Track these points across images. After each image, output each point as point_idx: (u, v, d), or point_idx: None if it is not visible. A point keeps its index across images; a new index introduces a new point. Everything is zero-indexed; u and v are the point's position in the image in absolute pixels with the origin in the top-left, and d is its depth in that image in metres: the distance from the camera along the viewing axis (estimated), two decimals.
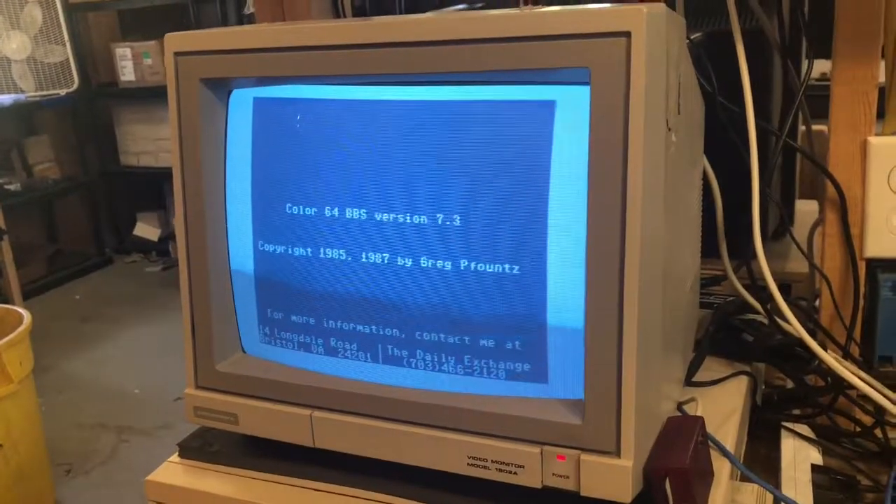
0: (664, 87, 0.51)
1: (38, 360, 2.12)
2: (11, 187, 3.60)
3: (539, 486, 0.54)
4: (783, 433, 0.76)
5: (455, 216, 0.54)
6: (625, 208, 0.49)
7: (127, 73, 3.84)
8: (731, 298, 0.82)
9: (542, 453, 0.53)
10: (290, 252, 0.60)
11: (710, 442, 0.63)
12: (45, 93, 3.68)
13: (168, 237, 4.17)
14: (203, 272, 0.62)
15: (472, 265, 0.54)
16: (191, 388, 0.65)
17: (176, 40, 0.60)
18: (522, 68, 0.50)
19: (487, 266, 0.54)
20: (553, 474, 0.53)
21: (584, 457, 0.52)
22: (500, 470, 0.54)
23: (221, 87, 0.61)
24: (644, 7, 0.47)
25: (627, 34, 0.47)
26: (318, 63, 0.56)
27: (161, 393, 2.81)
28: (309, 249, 0.59)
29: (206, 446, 0.67)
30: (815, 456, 0.73)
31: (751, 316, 0.81)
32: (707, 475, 0.57)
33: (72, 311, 3.52)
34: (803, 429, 0.77)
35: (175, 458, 0.68)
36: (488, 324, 0.55)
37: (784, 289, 0.96)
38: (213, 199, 0.62)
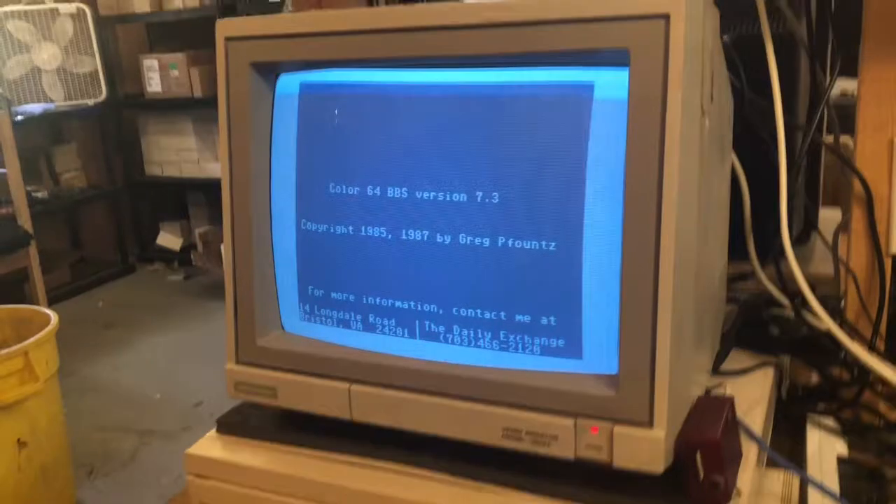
0: (700, 71, 0.53)
1: (62, 365, 2.16)
2: (39, 195, 3.65)
3: (572, 457, 0.55)
4: (809, 425, 0.77)
5: (494, 194, 0.56)
6: (661, 188, 0.50)
7: (154, 84, 3.91)
8: (758, 293, 0.84)
9: (575, 425, 0.54)
10: (331, 230, 0.62)
11: (742, 427, 0.65)
12: (73, 102, 3.75)
13: (190, 247, 4.21)
14: (247, 251, 0.64)
15: (510, 242, 0.56)
16: (231, 363, 0.67)
17: (227, 26, 0.63)
18: (562, 49, 0.52)
19: (525, 243, 0.56)
20: (586, 445, 0.54)
21: (618, 428, 0.53)
22: (535, 441, 0.56)
23: (269, 72, 0.63)
24: None
25: (667, 16, 0.49)
26: (362, 46, 0.58)
27: (181, 398, 2.84)
28: (350, 227, 0.61)
29: (244, 421, 0.69)
30: (841, 448, 0.74)
31: (777, 310, 0.82)
32: (736, 454, 0.58)
33: (95, 318, 3.56)
34: (829, 422, 0.78)
35: (213, 433, 0.70)
36: (524, 300, 0.56)
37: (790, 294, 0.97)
38: (258, 179, 0.64)
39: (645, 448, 0.53)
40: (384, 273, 0.61)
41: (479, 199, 0.56)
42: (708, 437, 0.53)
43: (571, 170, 0.54)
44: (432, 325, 0.60)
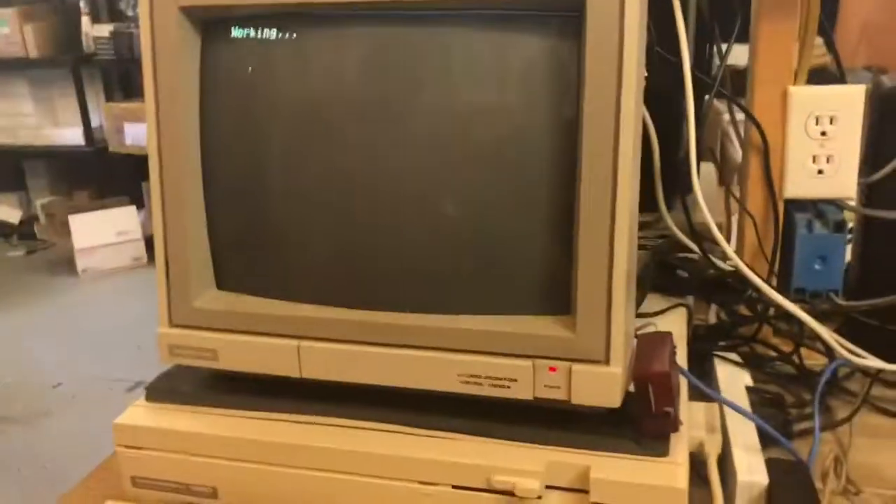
0: (643, 20, 0.55)
1: None
2: None
3: (531, 397, 0.57)
4: (717, 361, 0.82)
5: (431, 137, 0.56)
6: (617, 133, 0.52)
7: None
8: (665, 239, 0.88)
9: (533, 366, 0.56)
10: (258, 187, 0.60)
11: None
12: None
13: (31, 219, 3.93)
14: (178, 209, 0.61)
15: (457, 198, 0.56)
16: (164, 326, 0.63)
17: None
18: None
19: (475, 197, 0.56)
20: (545, 386, 0.56)
21: (576, 367, 0.55)
22: (493, 385, 0.57)
23: (197, 18, 0.59)
24: None
25: None
26: None
27: (37, 380, 2.67)
28: (277, 183, 0.60)
29: (176, 387, 0.66)
30: (747, 379, 0.80)
31: (683, 255, 0.87)
32: (678, 386, 0.61)
33: None
34: (732, 356, 0.83)
35: (141, 401, 0.67)
36: (478, 254, 0.57)
37: (697, 237, 1.03)
38: (186, 134, 0.61)
39: (603, 384, 0.55)
40: (320, 233, 0.59)
41: (419, 155, 0.56)
42: (658, 369, 0.56)
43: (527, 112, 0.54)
44: (381, 286, 0.59)
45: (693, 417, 0.71)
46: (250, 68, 0.60)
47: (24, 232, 3.88)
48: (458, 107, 0.56)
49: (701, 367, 0.83)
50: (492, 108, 0.55)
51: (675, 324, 0.78)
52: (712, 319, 0.91)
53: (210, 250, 0.63)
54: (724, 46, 0.87)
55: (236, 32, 0.59)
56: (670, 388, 0.56)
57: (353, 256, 0.60)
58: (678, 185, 0.90)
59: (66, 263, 3.57)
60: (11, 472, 2.21)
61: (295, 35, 0.58)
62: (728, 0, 0.88)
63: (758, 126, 0.82)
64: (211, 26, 0.60)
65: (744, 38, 0.86)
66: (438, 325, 0.58)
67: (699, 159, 0.80)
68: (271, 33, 0.58)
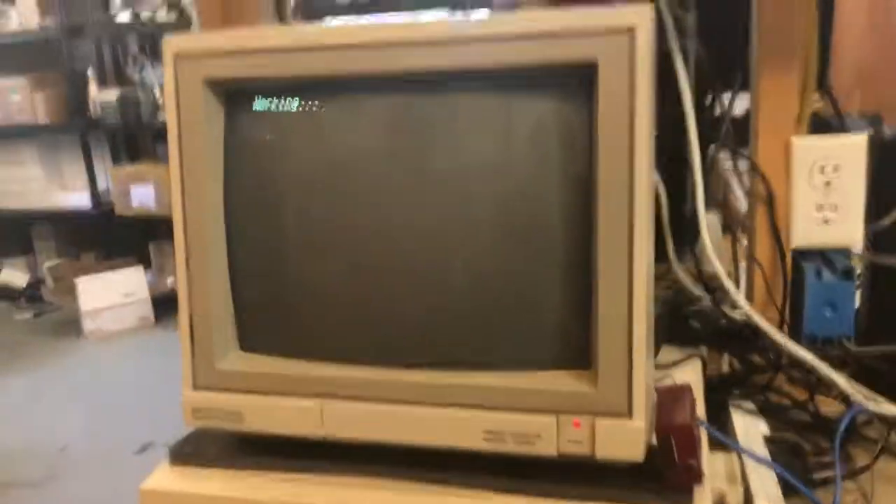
0: (652, 81, 0.57)
1: None
2: None
3: (555, 453, 0.57)
4: (732, 410, 0.83)
5: (457, 206, 0.58)
6: (632, 188, 0.54)
7: None
8: (675, 290, 0.89)
9: (557, 421, 0.57)
10: (281, 254, 0.62)
11: None
12: None
13: (38, 282, 3.95)
14: (201, 272, 0.62)
15: (477, 260, 0.58)
16: (188, 389, 0.64)
17: (177, 43, 0.61)
18: (530, 63, 0.54)
19: (496, 260, 0.58)
20: (568, 441, 0.57)
21: (599, 421, 0.56)
22: (518, 441, 0.58)
23: (221, 89, 0.62)
24: (646, 6, 0.52)
25: (632, 29, 0.52)
26: (319, 62, 0.58)
27: (43, 444, 2.65)
28: (302, 252, 0.61)
29: (199, 450, 0.67)
30: (764, 428, 0.80)
31: (695, 305, 0.88)
32: (700, 438, 0.62)
33: None
34: (748, 405, 0.84)
35: (165, 465, 0.67)
36: (499, 314, 0.58)
37: (707, 287, 1.04)
38: (211, 200, 0.62)
39: (626, 438, 0.56)
40: (339, 294, 0.61)
41: (437, 216, 0.58)
42: (681, 422, 0.57)
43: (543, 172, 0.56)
44: (405, 351, 0.60)
45: (713, 468, 0.71)
46: (270, 136, 0.62)
47: (31, 295, 3.90)
48: (472, 169, 0.58)
49: (716, 417, 0.83)
50: (506, 169, 0.57)
51: (690, 374, 0.79)
52: (725, 369, 0.92)
53: (233, 313, 0.64)
54: (725, 96, 0.89)
55: (258, 103, 0.61)
56: (693, 440, 0.57)
57: (374, 316, 0.61)
58: (685, 235, 0.92)
59: (72, 325, 3.57)
60: None
61: (314, 104, 0.60)
62: (725, 50, 0.91)
63: (763, 177, 0.84)
64: (234, 97, 0.62)
65: (742, 86, 0.89)
66: (460, 382, 0.59)
67: (682, 220, 0.82)
68: (292, 103, 0.61)
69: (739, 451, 0.68)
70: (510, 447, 0.58)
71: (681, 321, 0.87)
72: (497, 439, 0.58)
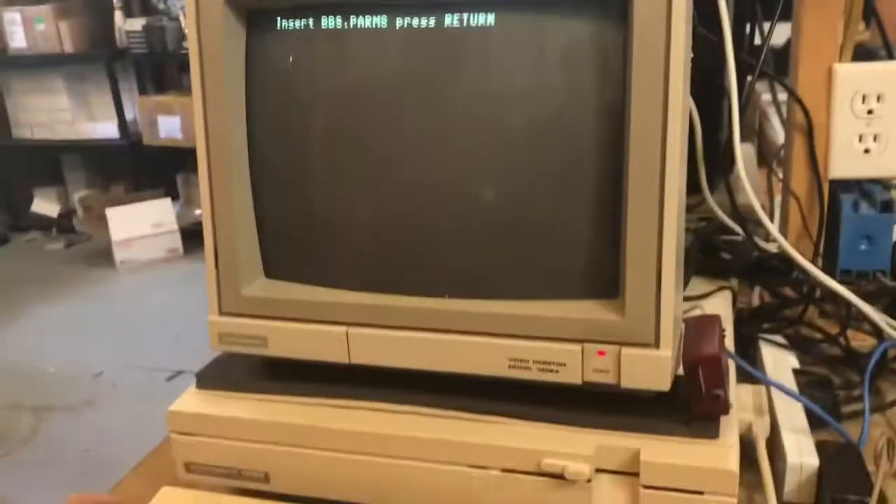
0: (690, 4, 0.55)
1: None
2: None
3: (580, 382, 0.57)
4: (761, 343, 0.82)
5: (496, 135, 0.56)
6: (666, 114, 0.52)
7: (17, 39, 3.64)
8: (707, 222, 0.88)
9: (582, 350, 0.56)
10: (314, 181, 0.61)
11: None
12: None
13: (69, 213, 3.99)
14: (228, 199, 0.62)
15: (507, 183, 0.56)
16: (214, 314, 0.64)
17: None
18: None
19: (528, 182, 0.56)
20: (593, 370, 0.56)
21: (625, 350, 0.55)
22: (542, 369, 0.57)
23: (242, 9, 0.60)
24: None
25: None
26: None
27: (79, 370, 2.72)
28: (333, 180, 0.60)
29: (226, 374, 0.67)
30: (793, 361, 0.79)
31: (727, 237, 0.86)
32: (728, 368, 0.61)
33: None
34: (778, 339, 0.83)
35: (192, 388, 0.68)
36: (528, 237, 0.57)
37: (740, 219, 1.02)
38: (234, 123, 0.61)
39: (652, 368, 0.55)
40: (364, 221, 0.60)
41: (466, 141, 0.56)
42: (709, 352, 0.56)
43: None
44: (427, 272, 0.60)
45: (740, 400, 0.71)
46: (293, 58, 0.60)
47: (62, 225, 3.95)
48: (500, 92, 0.56)
49: (746, 351, 0.82)
50: (535, 92, 0.55)
51: (720, 307, 0.78)
52: (755, 302, 0.91)
53: (258, 239, 0.64)
54: (766, 25, 0.86)
55: (280, 23, 0.60)
56: (720, 370, 0.56)
57: (399, 243, 0.60)
58: (720, 166, 0.90)
59: (104, 255, 3.63)
60: (56, 457, 2.26)
61: (337, 24, 0.58)
62: None
63: (802, 105, 0.81)
64: (256, 18, 0.60)
65: (784, 16, 0.85)
66: (485, 310, 0.58)
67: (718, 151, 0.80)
68: (314, 23, 0.59)
69: (766, 384, 0.68)
70: (534, 375, 0.57)
71: (712, 253, 0.85)
72: (521, 367, 0.58)
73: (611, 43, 0.53)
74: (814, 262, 0.83)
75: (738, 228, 0.83)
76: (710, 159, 0.90)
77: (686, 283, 0.79)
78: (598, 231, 0.56)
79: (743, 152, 1.11)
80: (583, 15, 0.53)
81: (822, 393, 0.75)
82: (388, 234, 0.60)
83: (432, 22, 0.56)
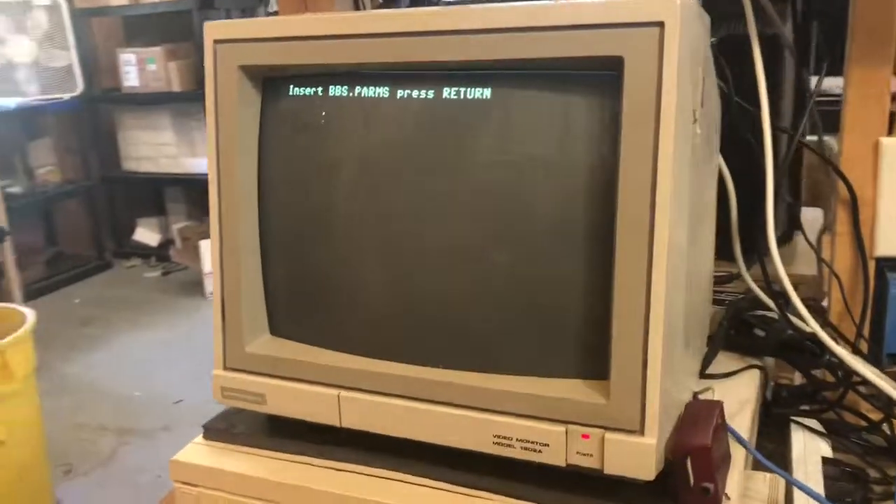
0: (692, 77, 0.53)
1: (38, 363, 2.10)
2: (13, 190, 3.61)
3: (563, 464, 0.55)
4: (793, 426, 0.77)
5: (486, 205, 0.56)
6: (654, 196, 0.50)
7: (131, 78, 3.86)
8: (743, 295, 0.84)
9: (566, 432, 0.54)
10: (312, 240, 0.62)
11: (729, 430, 0.65)
12: (48, 97, 3.69)
13: (168, 242, 4.17)
14: (234, 256, 0.64)
15: (501, 258, 0.56)
16: (219, 368, 0.66)
17: (216, 28, 0.62)
18: (554, 57, 0.51)
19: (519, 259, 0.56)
20: (577, 453, 0.54)
21: (609, 435, 0.53)
22: (525, 448, 0.56)
23: (258, 75, 0.62)
24: None
25: (661, 24, 0.49)
26: (349, 51, 0.57)
27: (161, 396, 2.81)
28: (336, 244, 0.61)
29: (230, 428, 0.68)
30: (825, 449, 0.75)
31: (762, 312, 0.82)
32: (726, 458, 0.58)
33: (71, 315, 3.52)
34: (812, 424, 0.78)
35: (199, 439, 0.69)
36: (515, 315, 0.56)
37: (777, 295, 0.97)
38: (245, 184, 0.63)
39: (636, 455, 0.53)
40: (363, 287, 0.60)
41: (462, 216, 0.56)
42: (698, 443, 0.53)
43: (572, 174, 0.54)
44: (421, 342, 0.59)
45: (752, 488, 0.67)
46: (301, 124, 0.62)
47: (161, 254, 4.13)
48: (495, 167, 0.56)
49: (780, 433, 0.78)
50: (530, 166, 0.55)
51: (745, 387, 0.74)
52: (798, 380, 0.86)
53: (265, 297, 0.65)
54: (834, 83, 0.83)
55: (292, 90, 0.61)
56: (710, 462, 0.53)
57: (396, 312, 0.60)
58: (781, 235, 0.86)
59: (196, 286, 3.76)
60: (130, 480, 2.34)
61: (343, 93, 0.59)
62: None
63: (845, 181, 0.77)
64: (271, 83, 0.62)
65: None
66: (475, 383, 0.57)
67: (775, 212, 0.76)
68: (323, 91, 0.60)
69: (782, 476, 0.64)
70: (518, 454, 0.56)
71: (746, 328, 0.82)
72: (506, 444, 0.56)
73: (605, 121, 0.52)
74: (856, 343, 0.79)
75: (771, 304, 0.79)
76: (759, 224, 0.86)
77: (710, 360, 0.76)
78: (588, 310, 0.55)
79: (812, 217, 1.07)
80: (576, 90, 0.53)
81: (854, 486, 0.71)
82: (384, 300, 0.61)
83: (431, 94, 0.57)
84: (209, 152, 0.64)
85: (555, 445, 0.55)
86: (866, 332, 0.80)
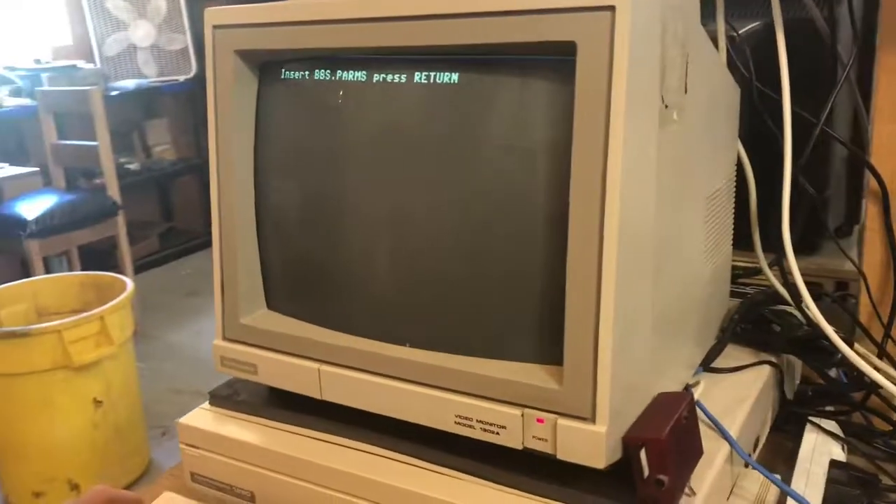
0: (657, 62, 0.52)
1: (145, 330, 2.22)
2: (131, 166, 3.83)
3: (520, 447, 0.55)
4: (807, 427, 0.74)
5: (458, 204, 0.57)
6: (605, 181, 0.50)
7: None
8: (763, 289, 0.81)
9: (523, 415, 0.55)
10: (302, 221, 0.64)
11: (712, 424, 0.64)
12: (165, 78, 3.90)
13: None
14: (231, 232, 0.67)
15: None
16: (219, 339, 0.70)
17: (214, 14, 0.65)
18: (507, 42, 0.52)
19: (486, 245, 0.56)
20: (533, 437, 0.55)
21: (561, 421, 0.53)
22: (484, 430, 0.56)
23: (254, 60, 0.65)
24: None
25: (612, 8, 0.48)
26: (329, 36, 0.59)
27: None
28: (320, 224, 0.63)
29: (234, 395, 0.72)
30: (837, 451, 0.72)
31: (782, 307, 0.79)
32: (692, 452, 0.57)
33: (179, 286, 3.71)
34: (831, 425, 0.75)
35: (206, 404, 0.73)
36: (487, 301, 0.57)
37: (841, 286, 0.93)
38: (241, 164, 0.66)
39: (587, 442, 0.53)
40: (343, 265, 0.63)
41: (426, 200, 0.57)
42: (652, 434, 0.53)
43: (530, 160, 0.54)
44: (391, 319, 0.61)
45: (745, 486, 0.66)
46: (292, 106, 0.64)
47: None
48: (461, 151, 0.56)
49: (797, 433, 0.75)
50: (493, 152, 0.55)
51: (747, 383, 0.72)
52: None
53: (262, 272, 0.68)
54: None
55: (284, 73, 0.64)
56: (665, 455, 0.52)
57: (368, 290, 0.62)
58: (810, 225, 0.83)
59: None
60: None
61: (326, 77, 0.61)
62: None
63: (874, 172, 0.73)
64: (267, 67, 0.65)
65: None
66: (438, 363, 0.58)
67: (794, 207, 0.73)
68: (313, 74, 0.62)
69: (768, 478, 0.62)
70: (477, 434, 0.57)
71: (764, 323, 0.79)
72: (466, 424, 0.57)
73: (560, 104, 0.52)
74: (882, 344, 0.75)
75: (788, 298, 0.76)
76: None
77: (718, 352, 0.74)
78: (545, 295, 0.54)
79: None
80: (536, 74, 0.53)
81: (860, 492, 0.67)
82: (358, 278, 0.63)
83: (403, 78, 0.58)
84: (210, 134, 0.67)
85: (512, 428, 0.55)
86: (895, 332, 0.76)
